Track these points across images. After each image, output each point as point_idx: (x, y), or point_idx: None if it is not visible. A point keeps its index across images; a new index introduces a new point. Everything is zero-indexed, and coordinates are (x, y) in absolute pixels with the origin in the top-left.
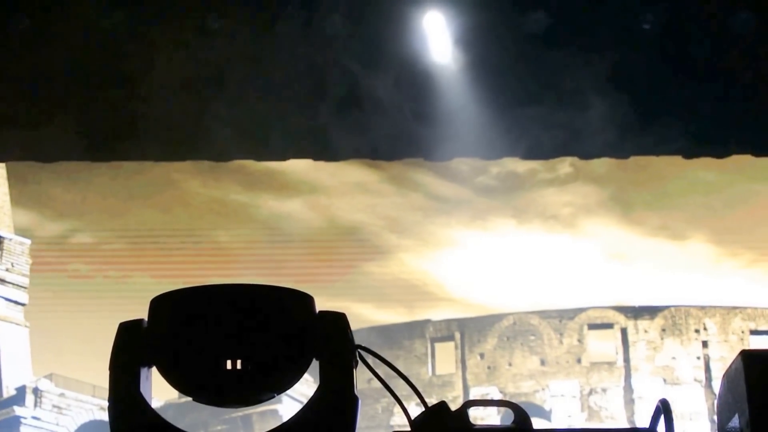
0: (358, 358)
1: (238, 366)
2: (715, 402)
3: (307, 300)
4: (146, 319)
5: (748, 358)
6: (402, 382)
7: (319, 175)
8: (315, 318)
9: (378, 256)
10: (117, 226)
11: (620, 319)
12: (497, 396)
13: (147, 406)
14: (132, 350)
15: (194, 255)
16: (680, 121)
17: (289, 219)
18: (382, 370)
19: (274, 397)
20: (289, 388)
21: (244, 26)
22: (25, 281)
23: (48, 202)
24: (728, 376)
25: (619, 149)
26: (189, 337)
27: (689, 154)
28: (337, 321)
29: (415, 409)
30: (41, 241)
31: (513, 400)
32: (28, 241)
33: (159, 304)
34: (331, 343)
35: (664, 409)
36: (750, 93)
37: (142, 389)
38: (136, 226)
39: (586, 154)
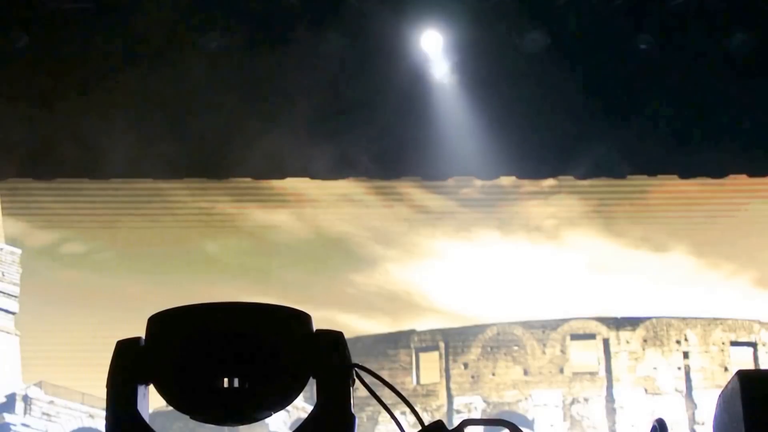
0: (354, 377)
1: (235, 384)
2: (712, 422)
3: (304, 318)
4: (143, 336)
5: (745, 378)
6: (387, 391)
7: (305, 187)
8: (312, 336)
9: (363, 266)
10: (106, 236)
11: (602, 330)
12: (480, 405)
13: (144, 423)
14: (129, 368)
15: (182, 264)
16: (677, 142)
17: (276, 230)
18: (368, 378)
19: (270, 415)
20: (286, 407)
21: (243, 47)
22: (16, 290)
23: (38, 212)
24: (725, 396)
25: (616, 169)
26: (186, 355)
27: (686, 175)
28: (334, 339)
29: (401, 417)
30: (32, 251)
31: (496, 410)
32: (18, 251)
33: (156, 322)
34: (328, 362)
35: (660, 428)
36: (746, 115)
37: (140, 407)
38: (126, 235)
39: (583, 174)
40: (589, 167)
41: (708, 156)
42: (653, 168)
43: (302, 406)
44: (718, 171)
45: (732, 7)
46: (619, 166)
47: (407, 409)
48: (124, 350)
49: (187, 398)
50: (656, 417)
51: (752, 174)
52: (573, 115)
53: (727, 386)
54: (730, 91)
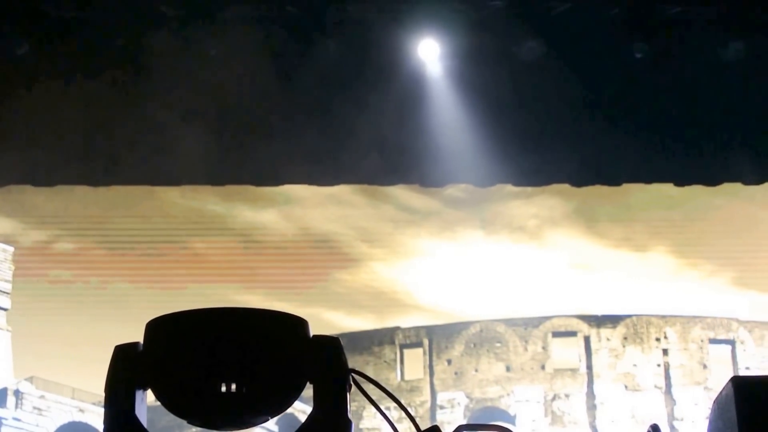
0: (351, 382)
1: (233, 389)
2: (706, 428)
3: (301, 324)
4: (141, 341)
5: (739, 384)
6: (374, 387)
7: (293, 187)
8: (309, 342)
9: (349, 265)
10: (98, 234)
11: (583, 328)
12: (463, 401)
13: (142, 428)
14: (127, 373)
15: (172, 262)
16: (673, 149)
17: (264, 229)
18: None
19: (267, 420)
20: (283, 412)
21: (239, 51)
22: (8, 287)
23: (31, 210)
24: (719, 403)
25: (612, 177)
26: (184, 360)
27: (681, 182)
28: (331, 345)
29: (387, 412)
30: (24, 248)
31: (479, 406)
32: (11, 248)
33: (154, 327)
34: (325, 367)
35: None
36: (740, 123)
37: (137, 412)
38: (116, 234)
39: (579, 182)
40: (585, 175)
41: (703, 164)
42: (649, 175)
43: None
44: (714, 179)
45: (727, 17)
46: (615, 173)
47: (392, 404)
48: (123, 355)
49: (185, 403)
50: (651, 423)
51: (747, 182)
52: (569, 123)
53: (721, 392)
54: (725, 100)
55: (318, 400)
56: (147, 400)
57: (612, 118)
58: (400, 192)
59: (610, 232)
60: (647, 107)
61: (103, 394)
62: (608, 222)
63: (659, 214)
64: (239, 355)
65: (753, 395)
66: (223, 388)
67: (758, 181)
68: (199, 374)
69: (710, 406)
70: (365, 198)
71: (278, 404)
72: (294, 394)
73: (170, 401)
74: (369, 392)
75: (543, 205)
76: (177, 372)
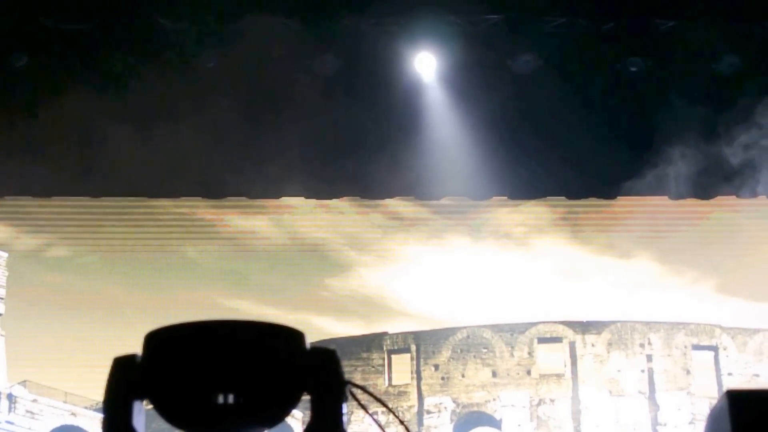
0: (348, 393)
1: (230, 400)
2: None
3: (298, 336)
4: (140, 353)
5: (733, 398)
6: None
7: None
8: (306, 354)
9: (338, 271)
10: (91, 241)
11: (569, 334)
12: (450, 406)
13: None
14: (126, 384)
15: (164, 268)
16: (667, 163)
17: (254, 235)
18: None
19: (264, 430)
20: (279, 423)
21: (236, 64)
22: (2, 292)
23: (25, 217)
24: (713, 416)
25: (607, 191)
26: (182, 371)
27: (676, 196)
28: (328, 357)
29: (381, 417)
30: (18, 254)
31: (465, 410)
32: (5, 254)
33: (153, 339)
34: (322, 379)
35: None
36: (733, 137)
37: (135, 422)
38: (109, 240)
39: (574, 195)
40: (580, 188)
41: (698, 177)
42: (643, 189)
43: None
44: (707, 193)
45: (721, 31)
46: (610, 187)
47: (380, 408)
48: (121, 367)
49: (183, 414)
50: None
51: (742, 196)
52: (564, 136)
53: (715, 406)
54: (719, 113)
55: (315, 412)
56: (147, 406)
57: (606, 132)
58: (388, 200)
59: (595, 239)
60: (641, 121)
61: (101, 404)
62: (593, 229)
63: (644, 221)
64: (237, 367)
65: (747, 408)
66: (221, 400)
67: (752, 195)
68: (198, 386)
69: (693, 411)
70: (354, 205)
71: (275, 415)
72: (291, 406)
73: (169, 412)
74: (361, 400)
75: (529, 213)
76: (176, 383)
